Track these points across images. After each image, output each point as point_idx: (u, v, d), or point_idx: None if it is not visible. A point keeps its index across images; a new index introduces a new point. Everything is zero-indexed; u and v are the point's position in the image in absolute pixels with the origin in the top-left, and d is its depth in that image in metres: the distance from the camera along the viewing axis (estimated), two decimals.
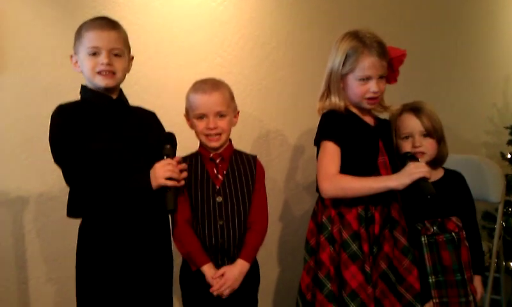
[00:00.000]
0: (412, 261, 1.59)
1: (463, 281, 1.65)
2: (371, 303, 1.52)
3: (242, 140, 2.09)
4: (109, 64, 1.44)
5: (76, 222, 1.50)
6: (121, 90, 1.54)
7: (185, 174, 1.49)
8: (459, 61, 2.93)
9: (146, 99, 1.72)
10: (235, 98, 1.67)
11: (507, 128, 2.85)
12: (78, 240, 1.49)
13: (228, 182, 1.60)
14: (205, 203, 1.57)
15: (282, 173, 2.36)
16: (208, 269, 1.54)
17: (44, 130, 1.44)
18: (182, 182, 1.47)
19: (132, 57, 1.56)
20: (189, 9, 2.10)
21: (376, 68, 1.54)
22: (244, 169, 1.63)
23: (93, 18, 1.49)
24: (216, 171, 1.61)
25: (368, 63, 1.53)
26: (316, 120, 1.64)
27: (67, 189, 1.46)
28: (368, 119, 1.65)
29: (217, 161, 1.61)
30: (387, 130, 1.71)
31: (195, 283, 1.57)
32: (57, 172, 1.44)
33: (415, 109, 1.70)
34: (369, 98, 1.57)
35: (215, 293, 1.53)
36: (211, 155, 1.61)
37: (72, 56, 1.50)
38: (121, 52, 1.48)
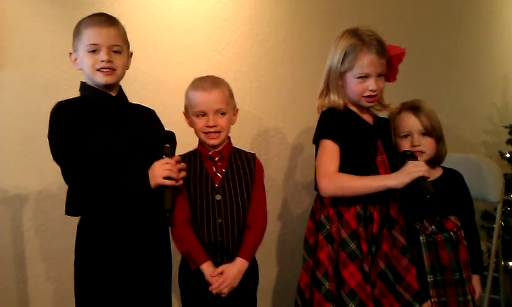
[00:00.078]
0: (410, 261, 1.59)
1: (462, 281, 1.65)
2: (370, 302, 1.52)
3: (241, 138, 2.09)
4: (109, 61, 1.43)
5: (75, 220, 1.50)
6: (120, 87, 1.53)
7: (183, 173, 1.48)
8: (459, 60, 2.93)
9: (145, 96, 1.72)
10: (234, 96, 1.67)
11: (506, 127, 2.85)
12: (76, 239, 1.49)
13: (227, 180, 1.59)
14: (204, 201, 1.56)
15: (281, 171, 2.35)
16: (207, 267, 1.54)
17: (43, 127, 1.43)
18: (181, 182, 1.47)
19: (131, 54, 1.55)
20: (188, 6, 2.09)
21: (375, 66, 1.54)
22: (243, 167, 1.63)
23: (91, 15, 1.48)
24: (215, 169, 1.60)
25: (367, 61, 1.53)
26: (315, 118, 1.64)
27: (66, 187, 1.45)
28: (367, 118, 1.65)
29: (216, 159, 1.61)
30: (386, 129, 1.70)
31: (194, 282, 1.57)
32: (56, 170, 1.44)
33: (414, 108, 1.69)
34: (368, 96, 1.57)
35: (214, 292, 1.53)
36: (210, 152, 1.61)
37: (70, 54, 1.49)
38: (121, 48, 1.47)
